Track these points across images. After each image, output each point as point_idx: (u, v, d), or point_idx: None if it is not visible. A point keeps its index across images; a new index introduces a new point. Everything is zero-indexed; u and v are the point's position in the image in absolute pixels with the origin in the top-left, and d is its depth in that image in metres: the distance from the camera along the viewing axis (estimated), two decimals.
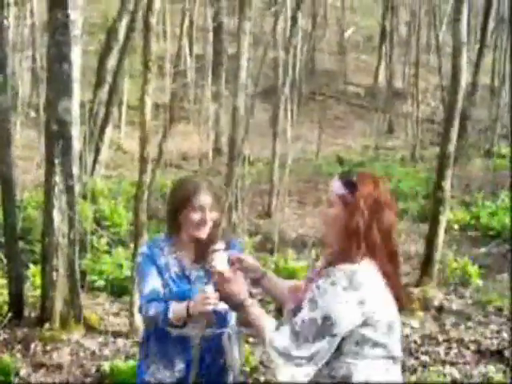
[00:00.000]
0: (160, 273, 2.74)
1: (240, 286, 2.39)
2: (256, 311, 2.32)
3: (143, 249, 2.88)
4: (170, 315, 2.62)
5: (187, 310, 2.59)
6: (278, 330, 2.22)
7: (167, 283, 2.73)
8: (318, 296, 2.17)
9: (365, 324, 2.19)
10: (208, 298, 2.51)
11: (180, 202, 2.73)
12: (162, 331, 2.72)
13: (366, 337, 2.20)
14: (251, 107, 8.84)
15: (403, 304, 2.32)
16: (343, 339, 2.18)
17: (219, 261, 2.49)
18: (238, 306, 2.37)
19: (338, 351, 2.19)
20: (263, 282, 2.61)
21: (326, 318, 2.14)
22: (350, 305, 2.15)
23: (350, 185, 2.22)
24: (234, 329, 2.83)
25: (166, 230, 2.85)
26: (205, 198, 2.72)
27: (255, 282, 2.61)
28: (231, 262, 2.53)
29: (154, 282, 2.72)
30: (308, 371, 2.18)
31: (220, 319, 2.72)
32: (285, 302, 2.49)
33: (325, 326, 2.15)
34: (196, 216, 2.70)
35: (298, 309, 2.30)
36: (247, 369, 4.69)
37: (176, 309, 2.62)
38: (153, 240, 2.95)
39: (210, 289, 2.52)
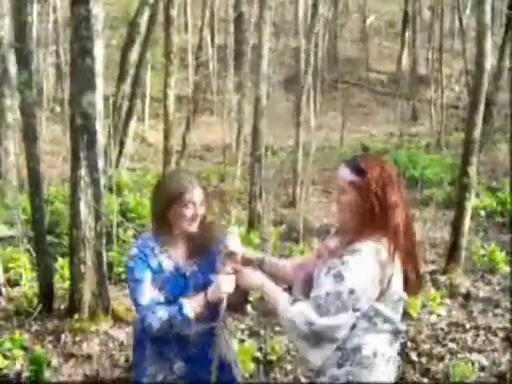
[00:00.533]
0: (154, 274, 2.67)
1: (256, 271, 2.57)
2: (274, 288, 2.46)
3: (134, 251, 2.73)
4: (188, 313, 2.57)
5: (205, 299, 2.58)
6: (294, 304, 2.32)
7: (163, 284, 2.67)
8: (344, 270, 2.26)
9: (379, 299, 2.30)
10: (228, 279, 2.55)
11: (172, 198, 2.66)
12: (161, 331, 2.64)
13: (378, 311, 2.31)
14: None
15: (419, 285, 2.46)
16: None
17: (234, 242, 2.60)
18: (254, 287, 2.52)
19: (353, 326, 2.30)
20: (264, 268, 2.69)
21: (352, 292, 2.24)
22: (375, 281, 2.26)
23: (359, 170, 2.35)
24: (226, 321, 2.83)
25: (154, 228, 2.76)
26: (197, 193, 2.69)
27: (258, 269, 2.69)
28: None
29: (151, 289, 2.65)
30: (330, 349, 2.29)
31: (213, 312, 2.68)
32: (290, 280, 2.61)
33: (350, 300, 2.24)
34: (188, 211, 2.66)
35: (306, 283, 2.39)
36: (274, 357, 4.72)
37: (191, 304, 2.58)
38: (142, 240, 2.80)
39: (228, 270, 2.58)
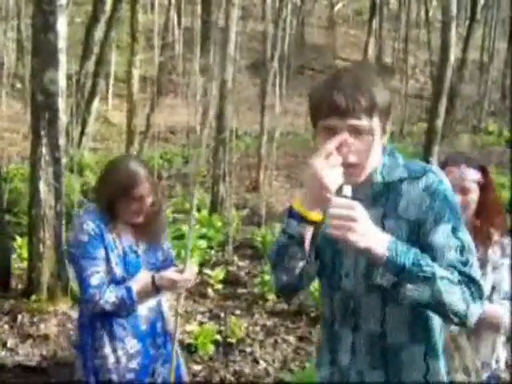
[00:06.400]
0: (107, 250, 2.58)
1: None
2: None
3: (89, 226, 2.58)
4: (135, 297, 2.55)
5: (153, 285, 2.57)
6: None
7: (117, 261, 2.60)
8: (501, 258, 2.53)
9: None
10: (184, 281, 2.55)
11: (118, 192, 2.57)
12: (108, 312, 2.59)
13: None
14: None
15: None
16: None
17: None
18: None
19: None
20: None
21: None
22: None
23: (483, 170, 2.60)
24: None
25: (99, 211, 2.62)
26: (144, 188, 2.60)
27: None
28: None
29: (102, 269, 2.56)
30: None
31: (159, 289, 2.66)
32: None
33: None
34: (135, 206, 2.60)
35: None
36: (233, 340, 4.74)
37: (139, 289, 2.56)
38: (90, 214, 2.64)
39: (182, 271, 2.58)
